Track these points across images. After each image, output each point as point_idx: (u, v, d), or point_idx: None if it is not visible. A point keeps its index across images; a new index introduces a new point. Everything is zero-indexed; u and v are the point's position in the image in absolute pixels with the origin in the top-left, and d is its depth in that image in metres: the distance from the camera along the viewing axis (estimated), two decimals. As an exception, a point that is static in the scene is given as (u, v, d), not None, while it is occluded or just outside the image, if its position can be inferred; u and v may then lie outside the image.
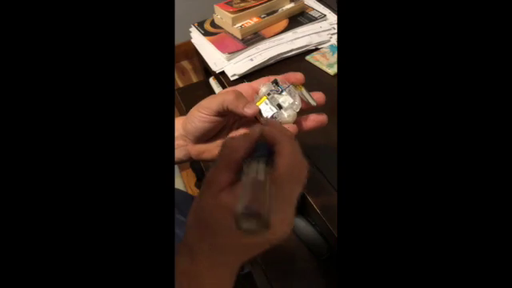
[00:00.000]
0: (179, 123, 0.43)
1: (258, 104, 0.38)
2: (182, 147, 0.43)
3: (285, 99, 0.39)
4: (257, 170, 0.27)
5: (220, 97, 0.37)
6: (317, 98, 0.39)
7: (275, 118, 0.38)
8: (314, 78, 0.67)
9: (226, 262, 0.30)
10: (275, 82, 0.39)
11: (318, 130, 0.56)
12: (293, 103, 0.38)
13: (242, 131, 0.42)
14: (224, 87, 0.73)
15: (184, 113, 0.89)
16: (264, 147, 0.30)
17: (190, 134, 0.41)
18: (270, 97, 0.38)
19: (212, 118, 0.39)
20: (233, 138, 0.31)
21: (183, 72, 2.05)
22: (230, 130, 0.42)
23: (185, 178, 1.55)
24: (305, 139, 0.54)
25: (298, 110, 0.38)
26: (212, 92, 0.82)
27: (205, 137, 0.41)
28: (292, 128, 0.38)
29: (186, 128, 0.41)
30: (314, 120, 0.40)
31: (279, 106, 0.38)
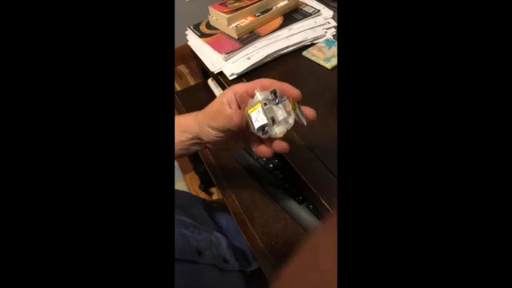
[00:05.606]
0: (191, 121, 0.45)
1: (250, 110, 0.38)
2: (199, 144, 0.45)
3: (280, 113, 0.38)
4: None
5: (223, 119, 0.40)
6: (308, 113, 0.40)
7: (266, 131, 0.38)
8: (311, 73, 0.67)
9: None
10: (274, 93, 0.38)
11: (319, 124, 0.57)
12: (286, 119, 0.38)
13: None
14: (223, 87, 0.73)
15: (184, 115, 0.89)
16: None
17: (209, 143, 0.44)
18: (266, 106, 0.38)
19: (225, 134, 0.41)
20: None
21: (180, 76, 2.06)
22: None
23: (188, 181, 1.56)
24: (307, 132, 0.55)
25: (289, 128, 0.39)
26: (211, 93, 0.83)
27: (224, 144, 0.44)
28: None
29: (203, 138, 0.43)
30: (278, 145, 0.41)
31: (273, 119, 0.38)
